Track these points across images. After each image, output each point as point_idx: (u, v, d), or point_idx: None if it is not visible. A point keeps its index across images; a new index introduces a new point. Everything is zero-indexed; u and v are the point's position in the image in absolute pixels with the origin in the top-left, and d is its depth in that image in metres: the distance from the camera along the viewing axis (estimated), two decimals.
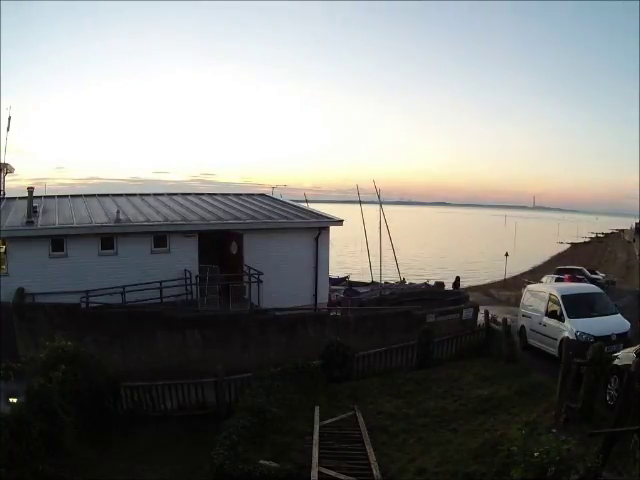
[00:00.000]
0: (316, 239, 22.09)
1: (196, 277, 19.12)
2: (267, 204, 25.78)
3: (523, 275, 47.15)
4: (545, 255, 70.83)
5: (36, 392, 9.78)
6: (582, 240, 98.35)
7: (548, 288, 16.47)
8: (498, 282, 43.59)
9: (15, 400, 10.01)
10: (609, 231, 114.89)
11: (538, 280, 30.76)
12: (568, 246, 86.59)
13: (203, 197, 26.67)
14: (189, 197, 26.28)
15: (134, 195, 25.58)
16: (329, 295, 24.70)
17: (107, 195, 25.20)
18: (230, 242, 21.20)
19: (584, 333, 12.72)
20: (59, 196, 24.15)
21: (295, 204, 27.13)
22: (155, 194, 26.19)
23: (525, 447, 6.70)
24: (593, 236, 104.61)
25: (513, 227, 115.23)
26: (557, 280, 28.36)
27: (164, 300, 18.13)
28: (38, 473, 8.73)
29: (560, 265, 40.64)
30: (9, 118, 24.30)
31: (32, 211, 19.16)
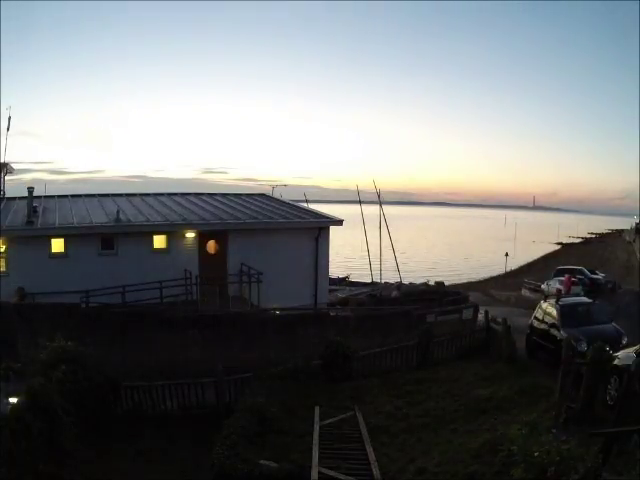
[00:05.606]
0: (316, 239, 22.10)
1: (196, 277, 19.12)
2: (267, 204, 25.80)
3: (512, 273, 47.26)
4: (535, 256, 70.01)
5: (36, 392, 9.76)
6: (579, 240, 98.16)
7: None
8: (497, 281, 43.65)
9: (15, 400, 10.00)
10: (607, 231, 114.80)
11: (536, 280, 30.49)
12: (559, 247, 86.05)
13: (203, 197, 26.70)
14: (189, 197, 26.32)
15: (134, 195, 25.62)
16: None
17: (107, 195, 25.24)
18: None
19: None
20: (59, 196, 24.21)
21: (295, 204, 27.16)
22: (155, 194, 26.24)
23: (525, 447, 6.69)
24: (591, 236, 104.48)
25: (513, 227, 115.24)
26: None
27: (164, 300, 18.13)
28: (38, 473, 8.73)
29: (558, 265, 40.47)
30: (9, 118, 24.35)
31: (32, 211, 19.18)
